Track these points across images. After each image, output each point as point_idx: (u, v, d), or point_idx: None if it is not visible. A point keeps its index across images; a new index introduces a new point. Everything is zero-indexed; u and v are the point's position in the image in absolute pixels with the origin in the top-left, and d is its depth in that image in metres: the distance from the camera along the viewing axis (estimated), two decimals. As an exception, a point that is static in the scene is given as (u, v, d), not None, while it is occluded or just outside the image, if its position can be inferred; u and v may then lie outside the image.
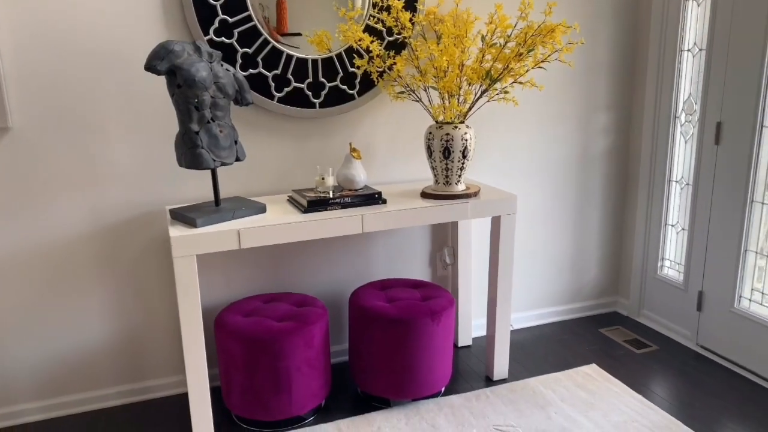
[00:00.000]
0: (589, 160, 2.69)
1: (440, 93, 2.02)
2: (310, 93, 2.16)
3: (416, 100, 2.08)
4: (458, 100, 2.03)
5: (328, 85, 2.17)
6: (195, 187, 2.11)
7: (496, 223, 2.14)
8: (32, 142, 1.90)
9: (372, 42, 1.95)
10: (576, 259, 2.81)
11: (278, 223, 1.82)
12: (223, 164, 1.84)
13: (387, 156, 2.35)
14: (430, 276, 2.55)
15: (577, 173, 2.69)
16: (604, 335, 2.68)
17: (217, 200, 1.92)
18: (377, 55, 1.99)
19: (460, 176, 2.09)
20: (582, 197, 2.73)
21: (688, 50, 2.45)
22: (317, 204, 1.94)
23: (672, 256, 2.66)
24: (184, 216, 1.83)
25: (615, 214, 2.82)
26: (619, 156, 2.74)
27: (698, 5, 2.39)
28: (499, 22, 2.00)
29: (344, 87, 2.20)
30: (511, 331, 2.72)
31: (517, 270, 2.70)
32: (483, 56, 2.02)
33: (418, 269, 2.52)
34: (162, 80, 2.00)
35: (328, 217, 1.89)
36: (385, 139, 2.33)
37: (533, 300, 2.78)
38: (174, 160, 2.07)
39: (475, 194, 2.09)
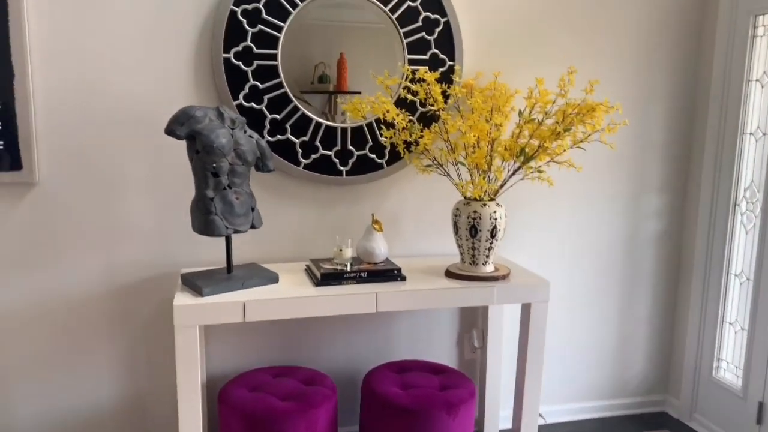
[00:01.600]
0: (638, 245, 2.49)
1: (469, 169, 1.92)
2: (337, 160, 2.11)
3: (444, 174, 1.98)
4: (488, 176, 1.91)
5: (357, 153, 2.11)
6: (212, 250, 2.06)
7: (526, 310, 1.97)
8: (56, 198, 1.92)
9: (398, 115, 1.89)
10: (621, 350, 2.57)
11: (286, 297, 1.74)
12: (237, 231, 1.78)
13: (412, 229, 2.25)
14: (456, 359, 2.38)
15: (624, 258, 2.49)
16: (649, 440, 2.41)
17: (229, 267, 1.86)
18: (403, 128, 1.91)
19: (488, 256, 1.95)
20: (629, 284, 2.51)
21: (751, 134, 2.26)
22: (331, 277, 1.85)
23: (729, 358, 2.39)
24: (193, 283, 1.77)
25: (666, 305, 2.58)
26: (672, 243, 2.53)
27: (762, 87, 2.21)
28: (539, 97, 1.90)
29: (373, 156, 2.13)
30: (545, 426, 2.49)
31: (554, 358, 2.49)
32: (520, 132, 1.91)
33: (443, 351, 2.36)
34: (183, 146, 1.99)
35: (340, 292, 1.79)
36: (411, 211, 2.23)
37: (571, 392, 2.55)
38: (193, 223, 2.04)
39: (504, 277, 1.95)
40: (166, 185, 2.00)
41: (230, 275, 1.84)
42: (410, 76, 2.00)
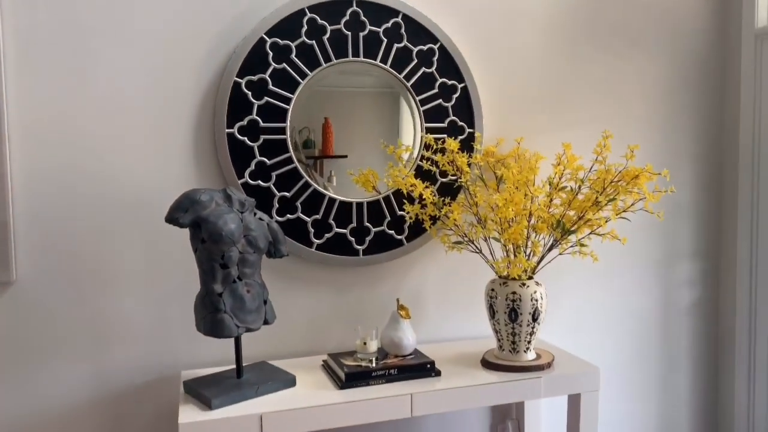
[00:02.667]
0: (673, 316, 2.31)
1: (503, 245, 1.73)
2: (353, 239, 1.91)
3: (475, 251, 1.79)
4: (525, 252, 1.73)
5: (374, 230, 1.92)
6: (215, 349, 1.81)
7: (574, 401, 1.76)
8: (36, 298, 1.67)
9: (426, 188, 1.71)
10: None
11: (308, 406, 1.49)
12: (249, 330, 1.55)
13: (437, 311, 2.04)
14: (488, 453, 2.13)
15: (659, 331, 2.30)
16: None
17: (239, 371, 1.61)
18: (431, 203, 1.73)
19: (529, 342, 1.74)
20: (666, 359, 2.32)
21: (787, 193, 2.13)
22: (357, 377, 1.61)
23: (786, 436, 2.18)
24: (198, 392, 1.52)
25: (707, 381, 2.38)
26: (708, 311, 2.35)
27: (795, 144, 2.10)
28: (567, 162, 1.75)
29: (391, 232, 1.94)
30: None
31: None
32: (551, 201, 1.75)
33: (473, 444, 2.11)
34: (185, 231, 1.78)
35: (369, 395, 1.55)
36: (435, 291, 2.03)
37: (613, 482, 2.30)
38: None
39: (549, 365, 1.73)
40: (164, 278, 1.77)
41: (240, 380, 1.59)
42: (434, 146, 1.83)
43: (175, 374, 1.79)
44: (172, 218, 1.49)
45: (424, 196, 1.71)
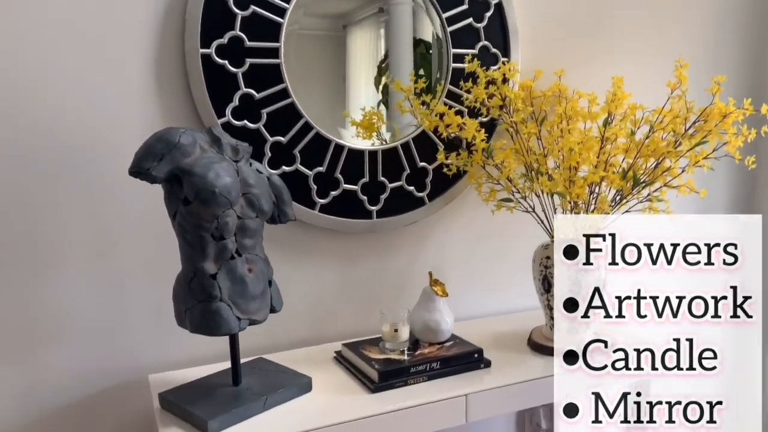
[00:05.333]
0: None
1: (566, 202, 1.39)
2: (365, 197, 1.50)
3: (527, 211, 1.44)
4: (587, 211, 1.40)
5: (390, 186, 1.52)
6: (193, 343, 1.38)
7: (641, 388, 1.47)
8: (-66, 286, 1.18)
9: (479, 131, 1.32)
10: None
11: (340, 422, 1.11)
12: (253, 323, 1.13)
13: (462, 283, 1.67)
14: (515, 444, 1.83)
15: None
16: None
17: (236, 376, 1.20)
18: (483, 149, 1.35)
19: (590, 320, 1.43)
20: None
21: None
22: (392, 376, 1.24)
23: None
24: (185, 411, 1.10)
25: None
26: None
27: None
28: (618, 100, 1.41)
29: (411, 188, 1.55)
30: None
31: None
32: (601, 148, 1.41)
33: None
34: (152, 190, 1.31)
35: (412, 400, 1.18)
36: (459, 260, 1.66)
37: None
38: (167, 305, 1.35)
39: (613, 347, 1.43)
40: (118, 253, 1.30)
41: (239, 389, 1.18)
42: (486, 78, 1.41)
43: (140, 380, 1.35)
44: (140, 169, 1.03)
45: (474, 141, 1.32)
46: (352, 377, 1.29)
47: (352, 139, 1.48)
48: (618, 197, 1.41)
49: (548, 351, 1.41)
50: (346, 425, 1.11)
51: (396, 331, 1.32)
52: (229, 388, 1.18)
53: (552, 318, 1.44)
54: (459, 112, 1.45)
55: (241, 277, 1.10)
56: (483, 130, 1.35)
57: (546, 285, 1.41)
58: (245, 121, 1.35)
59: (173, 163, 1.04)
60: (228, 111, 1.33)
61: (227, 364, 1.34)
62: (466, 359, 1.32)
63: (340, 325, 1.54)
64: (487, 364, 1.34)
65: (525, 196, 1.40)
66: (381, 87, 1.52)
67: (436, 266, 1.62)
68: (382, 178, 1.51)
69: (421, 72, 1.54)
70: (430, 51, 1.55)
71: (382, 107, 1.53)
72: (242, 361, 1.33)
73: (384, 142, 1.51)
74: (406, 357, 1.30)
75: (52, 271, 1.25)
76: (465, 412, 1.22)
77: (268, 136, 1.38)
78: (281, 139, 1.39)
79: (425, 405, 1.18)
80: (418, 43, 1.55)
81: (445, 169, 1.45)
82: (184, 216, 1.06)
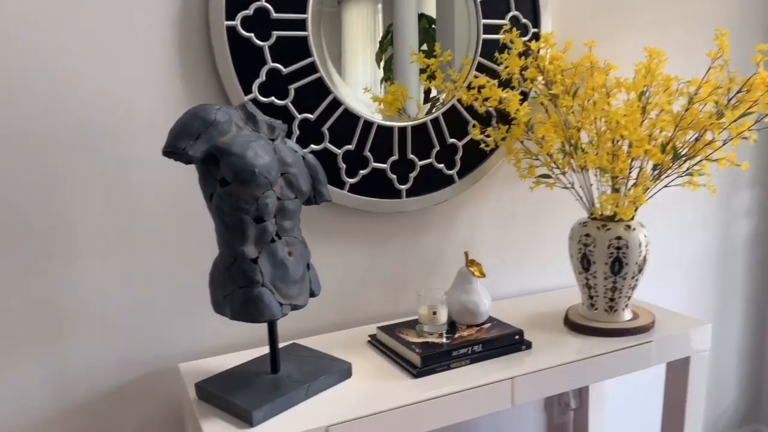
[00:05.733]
0: (730, 253, 2.05)
1: (601, 176, 1.34)
2: (394, 176, 1.45)
3: (566, 187, 1.39)
4: (626, 187, 1.35)
5: (419, 164, 1.47)
6: (222, 330, 1.34)
7: (679, 366, 1.44)
8: (-47, 276, 1.11)
9: (522, 103, 1.27)
10: (713, 382, 2.12)
11: (385, 410, 1.07)
12: (294, 308, 1.08)
13: (492, 262, 1.64)
14: (543, 424, 1.81)
15: (716, 271, 2.04)
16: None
17: (275, 364, 1.15)
18: (525, 123, 1.29)
19: (629, 299, 1.40)
20: (720, 301, 2.07)
21: None
22: (435, 359, 1.20)
23: None
24: (226, 401, 1.05)
25: (757, 320, 2.17)
26: (764, 244, 2.12)
27: None
28: (654, 70, 1.36)
29: (441, 166, 1.50)
30: (641, 488, 1.99)
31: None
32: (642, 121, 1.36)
33: (526, 413, 1.78)
34: (177, 171, 1.25)
35: (458, 385, 1.14)
36: (489, 239, 1.62)
37: (661, 439, 2.07)
38: (195, 290, 1.30)
39: (653, 325, 1.40)
40: (141, 237, 1.24)
41: (278, 376, 1.13)
42: (521, 49, 1.34)
43: (169, 369, 1.30)
44: (175, 149, 0.97)
45: (516, 114, 1.27)
46: (391, 362, 1.25)
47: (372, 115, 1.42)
48: (657, 172, 1.37)
49: (586, 330, 1.38)
50: (393, 412, 1.06)
51: (434, 313, 1.28)
52: (268, 376, 1.13)
53: (590, 297, 1.40)
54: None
55: (282, 261, 1.05)
56: (526, 104, 1.29)
57: (585, 263, 1.37)
58: (273, 98, 1.29)
59: (210, 141, 0.98)
60: (255, 87, 1.26)
61: (259, 351, 1.31)
62: (508, 341, 1.28)
63: (369, 309, 1.49)
64: (528, 345, 1.30)
65: (564, 172, 1.35)
66: (383, 63, 1.44)
67: (466, 246, 1.59)
68: (412, 156, 1.46)
69: (424, 47, 1.47)
70: (433, 26, 1.48)
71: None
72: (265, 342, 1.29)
73: (408, 118, 1.45)
74: (445, 340, 1.26)
75: (75, 258, 1.19)
76: (511, 395, 1.18)
77: (296, 113, 1.31)
78: (309, 116, 1.33)
79: (472, 390, 1.14)
80: (420, 17, 1.48)
81: (482, 145, 1.41)
82: (222, 198, 1.00)
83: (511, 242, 1.64)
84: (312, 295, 1.13)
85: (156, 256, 1.26)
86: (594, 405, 1.75)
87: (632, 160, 1.32)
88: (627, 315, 1.41)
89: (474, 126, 1.40)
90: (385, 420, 1.06)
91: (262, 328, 1.37)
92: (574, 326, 1.41)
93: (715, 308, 2.06)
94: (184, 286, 1.29)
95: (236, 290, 1.02)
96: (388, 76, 1.46)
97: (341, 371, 1.17)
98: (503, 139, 1.35)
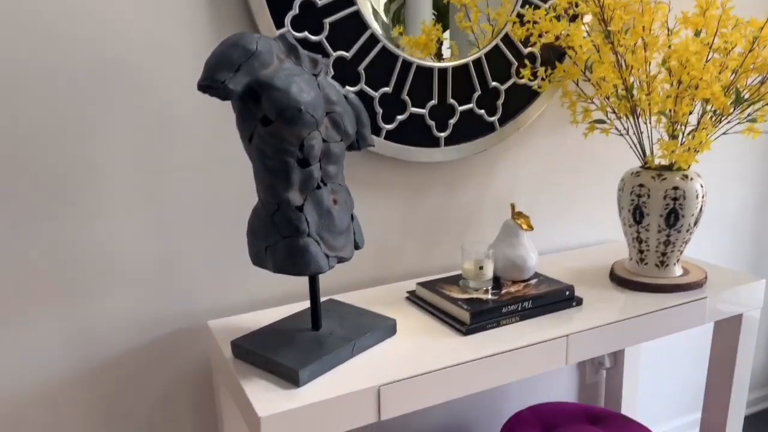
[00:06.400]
0: (762, 209, 1.98)
1: (658, 122, 1.25)
2: (433, 122, 1.35)
3: (621, 134, 1.30)
4: (683, 134, 1.26)
5: (460, 109, 1.37)
6: (253, 285, 1.26)
7: (729, 325, 1.38)
8: (-35, 225, 1.02)
9: (585, 37, 1.16)
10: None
11: (437, 369, 0.99)
12: (341, 260, 1.00)
13: (532, 215, 1.56)
14: (576, 384, 1.76)
15: (754, 225, 1.97)
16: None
17: (316, 320, 1.07)
18: (585, 62, 1.19)
19: (681, 253, 1.32)
20: (758, 255, 2.01)
21: None
22: (484, 316, 1.13)
23: None
24: (268, 360, 0.98)
25: (785, 276, 2.12)
26: (798, 200, 2.04)
27: None
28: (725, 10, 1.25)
29: (481, 112, 1.40)
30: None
31: (659, 366, 1.95)
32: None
33: (558, 371, 1.73)
34: (205, 112, 1.15)
35: (510, 343, 1.07)
36: (527, 191, 1.53)
37: (683, 405, 2.03)
38: (224, 244, 1.21)
39: (704, 281, 1.33)
40: (168, 188, 1.15)
41: (319, 333, 1.06)
42: None
43: (197, 327, 1.22)
44: (213, 82, 0.86)
45: (582, 50, 1.16)
46: (435, 319, 1.18)
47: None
48: (716, 117, 1.28)
49: (636, 286, 1.31)
50: (445, 371, 0.99)
51: (481, 268, 1.20)
52: (310, 333, 1.05)
53: (641, 251, 1.32)
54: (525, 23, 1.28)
55: (328, 210, 0.96)
56: (588, 39, 1.18)
57: (637, 215, 1.29)
58: (306, 33, 1.17)
59: (251, 74, 0.87)
60: (287, 20, 1.15)
61: (291, 308, 1.23)
62: (558, 297, 1.21)
63: (406, 263, 1.41)
64: (579, 302, 1.23)
65: (620, 117, 1.25)
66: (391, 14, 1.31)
67: (504, 199, 1.50)
68: (452, 101, 1.35)
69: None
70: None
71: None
72: (297, 297, 1.21)
73: (441, 60, 1.33)
74: (491, 296, 1.18)
75: (98, 207, 1.10)
76: (566, 354, 1.11)
77: (331, 50, 1.20)
78: (345, 54, 1.22)
79: (527, 348, 1.07)
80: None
81: (534, 86, 1.30)
82: (264, 138, 0.90)
83: (548, 194, 1.55)
84: (356, 247, 1.05)
85: (184, 206, 1.16)
86: (628, 365, 1.69)
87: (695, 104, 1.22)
88: (678, 270, 1.34)
89: (525, 66, 1.30)
90: (437, 379, 0.99)
91: (294, 284, 1.30)
92: (622, 282, 1.33)
93: (751, 263, 2.00)
94: (212, 239, 1.20)
95: (280, 240, 0.93)
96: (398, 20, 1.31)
97: (386, 328, 1.09)
98: (559, 80, 1.24)
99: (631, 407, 1.73)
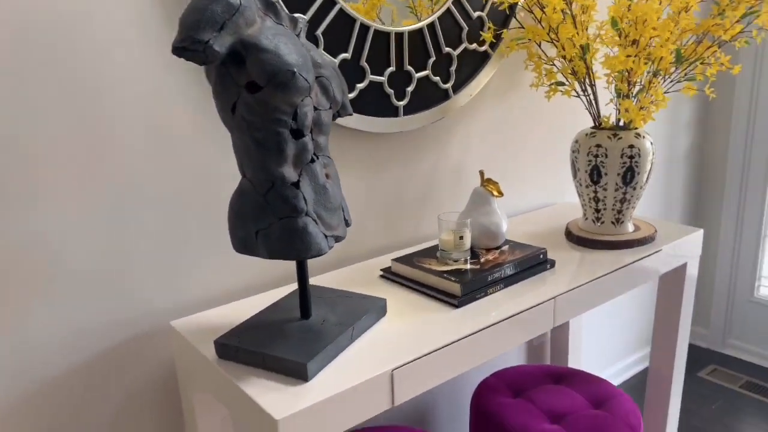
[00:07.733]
0: (673, 164, 2.13)
1: (614, 83, 1.28)
2: (392, 91, 1.29)
3: (579, 95, 1.31)
4: (632, 94, 1.30)
5: (417, 76, 1.32)
6: (212, 279, 1.13)
7: (673, 274, 1.46)
8: None
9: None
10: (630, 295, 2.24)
11: (445, 344, 0.95)
12: (337, 240, 0.92)
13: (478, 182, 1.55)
14: (524, 348, 1.80)
15: (661, 181, 2.11)
16: (705, 381, 2.16)
17: (306, 308, 0.98)
18: (553, 23, 1.17)
19: (633, 209, 1.38)
20: (665, 210, 2.17)
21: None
22: (473, 285, 1.10)
23: (770, 273, 2.22)
24: (265, 356, 0.87)
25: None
26: (698, 157, 2.22)
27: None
28: None
29: (437, 79, 1.35)
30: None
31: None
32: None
33: (508, 338, 1.76)
34: (158, 83, 1.00)
35: (504, 312, 1.05)
36: (479, 158, 1.52)
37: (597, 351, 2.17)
38: (177, 239, 1.07)
39: (655, 235, 1.39)
40: (115, 172, 0.99)
41: (311, 322, 0.97)
42: None
43: (158, 329, 1.08)
44: (193, 42, 0.73)
45: (539, 12, 1.14)
46: (420, 294, 1.13)
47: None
48: (661, 76, 1.33)
49: (596, 244, 1.35)
50: (453, 346, 0.95)
51: (461, 238, 1.17)
52: (300, 323, 0.96)
53: (597, 210, 1.36)
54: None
55: (323, 185, 0.87)
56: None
57: (595, 175, 1.32)
58: (261, -7, 1.05)
59: (237, 33, 0.76)
60: (240, -22, 1.02)
61: (262, 299, 1.13)
62: (535, 261, 1.21)
63: (370, 241, 1.35)
64: (552, 264, 1.24)
65: (579, 79, 1.26)
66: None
67: (455, 167, 1.48)
68: (409, 67, 1.30)
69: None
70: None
71: None
72: (279, 290, 1.12)
73: (382, 23, 1.27)
74: (471, 266, 1.16)
75: (38, 201, 0.92)
76: (553, 315, 1.12)
77: (287, 11, 1.09)
78: (302, 16, 1.11)
79: (524, 312, 1.05)
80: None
81: (504, 48, 1.27)
82: (252, 108, 0.79)
83: (500, 160, 1.56)
84: (346, 224, 0.97)
85: (132, 194, 1.01)
86: (572, 325, 1.76)
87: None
88: (631, 227, 1.40)
89: (489, 29, 1.27)
90: (447, 355, 0.94)
91: (252, 274, 1.18)
92: (580, 240, 1.37)
93: (660, 215, 2.16)
94: (166, 231, 1.06)
95: (275, 222, 0.83)
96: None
97: (377, 309, 1.03)
98: (527, 41, 1.22)
99: (576, 360, 1.81)
